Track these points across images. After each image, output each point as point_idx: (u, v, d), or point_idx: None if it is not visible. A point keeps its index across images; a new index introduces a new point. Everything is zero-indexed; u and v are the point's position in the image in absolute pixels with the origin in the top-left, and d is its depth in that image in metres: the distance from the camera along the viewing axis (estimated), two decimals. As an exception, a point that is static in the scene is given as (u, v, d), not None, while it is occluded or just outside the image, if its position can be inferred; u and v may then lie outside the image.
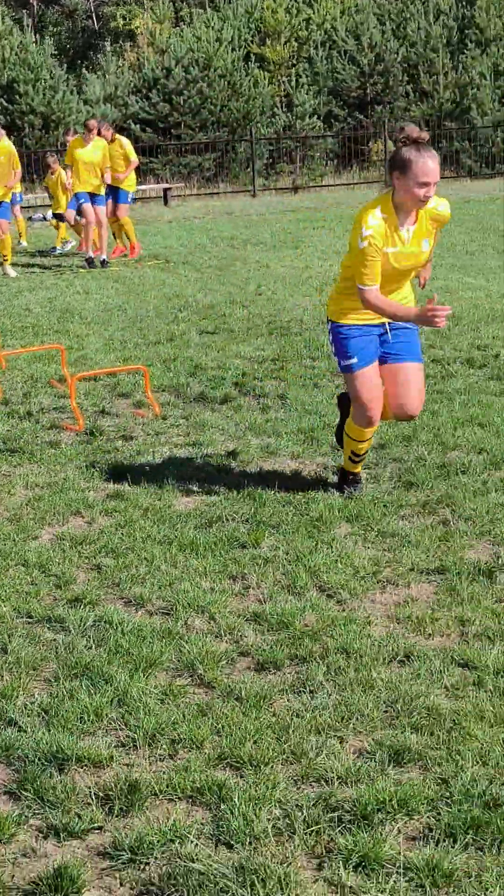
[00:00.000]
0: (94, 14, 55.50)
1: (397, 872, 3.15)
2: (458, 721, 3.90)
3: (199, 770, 3.66)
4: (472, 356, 9.63)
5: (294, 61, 37.83)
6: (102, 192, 17.23)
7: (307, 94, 35.36)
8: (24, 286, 15.44)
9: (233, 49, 35.34)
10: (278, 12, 37.39)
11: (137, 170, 20.34)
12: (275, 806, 3.47)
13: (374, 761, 3.68)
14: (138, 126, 33.15)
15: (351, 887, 3.11)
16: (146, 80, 34.18)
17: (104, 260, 17.20)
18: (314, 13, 38.63)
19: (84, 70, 37.63)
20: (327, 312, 6.21)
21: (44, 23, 53.61)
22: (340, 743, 3.82)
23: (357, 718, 3.96)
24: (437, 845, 3.26)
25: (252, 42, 37.20)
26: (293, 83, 35.81)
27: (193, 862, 3.21)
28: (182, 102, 33.47)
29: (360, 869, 3.18)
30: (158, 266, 16.95)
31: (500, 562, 5.31)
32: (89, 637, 4.66)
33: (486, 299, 12.47)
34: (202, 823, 3.41)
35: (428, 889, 3.08)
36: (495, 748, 3.71)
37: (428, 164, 5.55)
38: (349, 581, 5.16)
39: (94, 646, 4.58)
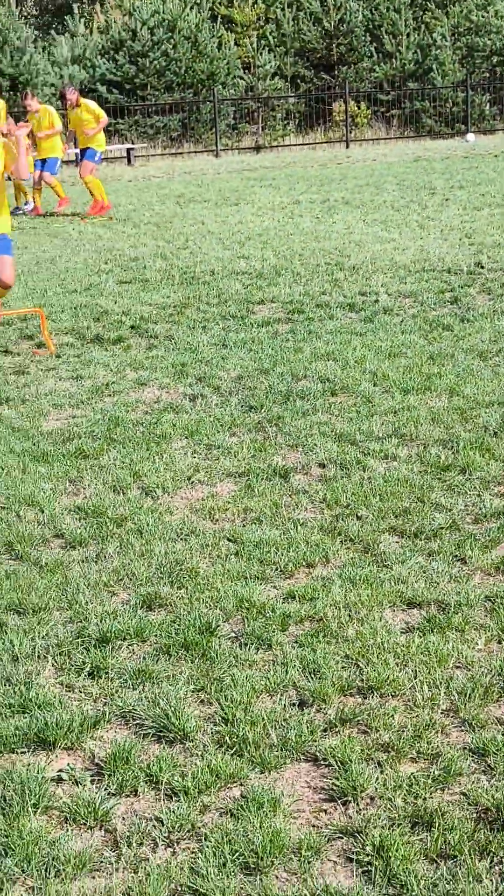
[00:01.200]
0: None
1: (120, 678, 4.10)
2: (208, 577, 4.84)
3: (-10, 614, 4.62)
4: (355, 301, 10.51)
5: (261, 23, 38.42)
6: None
7: (269, 54, 36.01)
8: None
9: (199, 11, 35.95)
10: (245, -26, 37.90)
11: (105, 130, 21.01)
12: (44, 639, 4.41)
13: (130, 606, 4.62)
14: (105, 87, 33.81)
15: (80, 687, 4.06)
16: (113, 41, 34.81)
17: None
18: (281, -26, 39.12)
19: (53, 32, 38.21)
20: None
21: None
22: (111, 595, 4.77)
23: (129, 578, 4.90)
24: (156, 662, 4.20)
25: (219, 4, 37.79)
26: (254, 45, 36.44)
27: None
28: (148, 64, 34.14)
29: (91, 675, 4.13)
30: (101, 223, 17.78)
31: (299, 466, 6.24)
32: None
33: (392, 251, 13.32)
34: (-19, 649, 4.37)
35: (142, 684, 4.04)
36: (227, 594, 4.66)
37: None
38: (166, 482, 6.08)
39: None
